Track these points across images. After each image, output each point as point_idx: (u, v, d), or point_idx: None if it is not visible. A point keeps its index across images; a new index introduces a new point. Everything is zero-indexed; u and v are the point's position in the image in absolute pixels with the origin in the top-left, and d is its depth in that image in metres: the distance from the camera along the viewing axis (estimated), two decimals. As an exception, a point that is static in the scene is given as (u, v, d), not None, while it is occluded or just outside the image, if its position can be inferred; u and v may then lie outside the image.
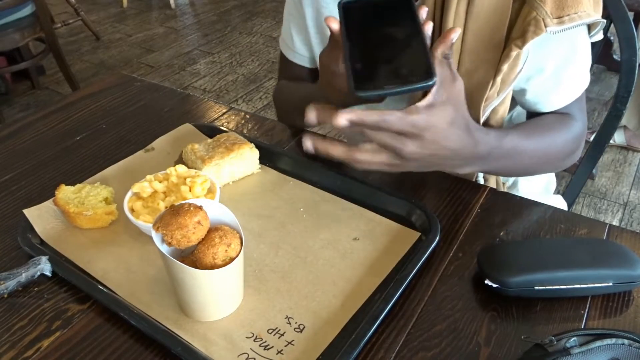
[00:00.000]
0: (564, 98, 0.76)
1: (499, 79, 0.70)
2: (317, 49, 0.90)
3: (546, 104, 0.77)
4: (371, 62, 0.52)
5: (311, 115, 0.56)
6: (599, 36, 0.74)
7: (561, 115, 0.77)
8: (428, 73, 0.50)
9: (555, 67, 0.73)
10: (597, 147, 1.11)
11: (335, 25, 0.56)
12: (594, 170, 2.16)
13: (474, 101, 0.72)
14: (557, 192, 1.05)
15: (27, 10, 2.36)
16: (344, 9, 0.55)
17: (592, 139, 1.05)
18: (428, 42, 0.53)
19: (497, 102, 0.74)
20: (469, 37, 0.70)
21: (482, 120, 0.74)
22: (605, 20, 0.72)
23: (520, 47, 0.67)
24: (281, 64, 0.98)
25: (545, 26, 0.65)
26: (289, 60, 0.93)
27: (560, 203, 0.99)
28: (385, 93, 0.51)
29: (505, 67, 0.69)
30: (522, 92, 0.76)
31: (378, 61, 0.52)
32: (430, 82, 0.49)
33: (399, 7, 0.55)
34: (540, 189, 0.98)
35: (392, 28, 0.54)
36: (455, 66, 0.69)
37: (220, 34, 3.58)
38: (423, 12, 0.55)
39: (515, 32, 0.68)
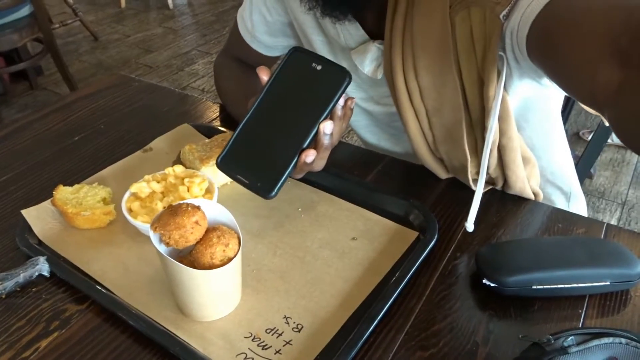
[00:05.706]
0: None
1: (492, 103, 0.64)
2: (284, 41, 0.89)
3: None
4: (247, 146, 0.59)
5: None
6: None
7: None
8: (270, 189, 0.56)
9: None
10: (595, 146, 1.11)
11: (265, 77, 0.60)
12: (592, 169, 2.16)
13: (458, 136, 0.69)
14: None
15: (25, 10, 2.36)
16: (289, 55, 0.59)
17: (590, 138, 1.05)
18: (307, 142, 0.56)
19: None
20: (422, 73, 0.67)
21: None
22: None
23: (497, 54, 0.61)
24: (235, 38, 0.94)
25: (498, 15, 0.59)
26: (244, 42, 0.92)
27: (581, 208, 0.91)
28: (235, 180, 0.58)
29: (492, 92, 0.63)
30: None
31: (253, 147, 0.59)
32: (267, 197, 0.56)
33: (329, 84, 0.57)
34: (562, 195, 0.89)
35: (300, 108, 0.58)
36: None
37: (219, 34, 3.58)
38: (350, 102, 0.59)
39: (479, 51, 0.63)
